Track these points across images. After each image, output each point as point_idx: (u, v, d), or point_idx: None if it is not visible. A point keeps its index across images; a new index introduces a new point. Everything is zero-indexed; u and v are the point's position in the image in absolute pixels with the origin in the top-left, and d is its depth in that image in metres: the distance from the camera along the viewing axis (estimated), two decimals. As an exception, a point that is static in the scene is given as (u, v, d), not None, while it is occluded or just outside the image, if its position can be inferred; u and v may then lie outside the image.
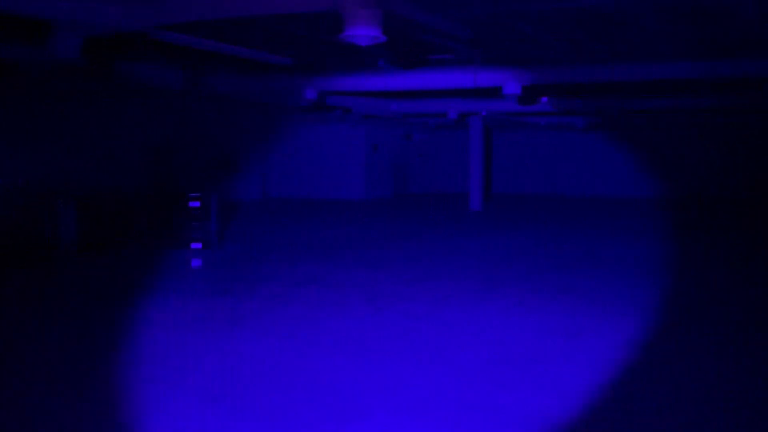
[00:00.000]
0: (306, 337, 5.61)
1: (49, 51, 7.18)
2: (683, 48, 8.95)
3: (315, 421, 3.85)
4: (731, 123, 20.86)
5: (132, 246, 10.51)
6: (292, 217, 15.90)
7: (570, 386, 4.44)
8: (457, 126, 21.49)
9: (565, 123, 19.73)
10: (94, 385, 4.44)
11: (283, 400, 4.16)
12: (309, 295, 7.19)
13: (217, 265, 9.37)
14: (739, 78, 10.26)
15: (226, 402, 4.13)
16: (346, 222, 14.78)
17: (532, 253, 10.22)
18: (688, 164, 22.24)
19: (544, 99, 14.42)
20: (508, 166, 24.85)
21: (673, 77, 9.60)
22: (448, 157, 25.17)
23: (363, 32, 5.77)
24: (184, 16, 6.43)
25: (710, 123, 20.73)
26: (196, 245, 10.43)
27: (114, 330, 5.84)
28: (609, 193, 22.98)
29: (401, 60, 10.06)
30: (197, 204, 10.50)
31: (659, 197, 21.85)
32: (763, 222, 15.14)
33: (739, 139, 21.49)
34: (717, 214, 16.77)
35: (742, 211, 17.38)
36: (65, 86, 11.67)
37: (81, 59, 7.42)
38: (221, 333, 5.71)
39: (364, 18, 5.78)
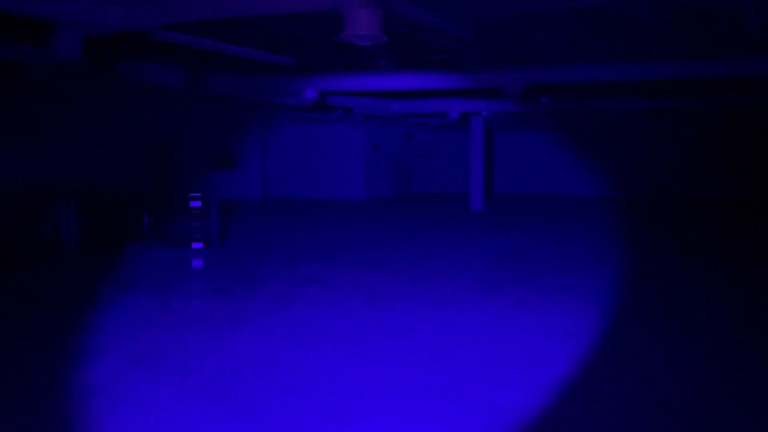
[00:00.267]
0: (306, 337, 5.61)
1: (50, 51, 7.19)
2: (683, 48, 8.95)
3: (315, 421, 3.85)
4: (719, 124, 20.90)
5: (133, 246, 10.51)
6: (293, 217, 15.90)
7: (570, 387, 4.45)
8: (458, 126, 21.49)
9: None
10: (95, 385, 4.44)
11: (284, 400, 4.16)
12: (309, 295, 7.19)
13: (218, 264, 9.38)
14: (739, 78, 10.25)
15: (226, 402, 4.13)
16: (347, 222, 14.79)
17: (533, 254, 10.22)
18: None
19: (545, 99, 14.42)
20: (509, 166, 24.84)
21: (673, 77, 9.59)
22: (449, 157, 25.17)
23: (363, 32, 5.77)
24: (184, 16, 6.43)
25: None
26: (197, 245, 10.44)
27: (114, 330, 5.84)
28: (612, 193, 22.96)
29: (401, 60, 10.06)
30: (198, 204, 10.51)
31: (664, 198, 21.84)
32: (755, 222, 15.14)
33: (730, 140, 21.48)
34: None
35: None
36: (66, 86, 11.68)
37: (82, 59, 7.43)
38: (221, 333, 5.71)
39: (365, 18, 5.79)
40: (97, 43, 7.67)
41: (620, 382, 4.53)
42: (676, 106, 14.82)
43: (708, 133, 21.73)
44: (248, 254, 10.17)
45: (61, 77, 10.33)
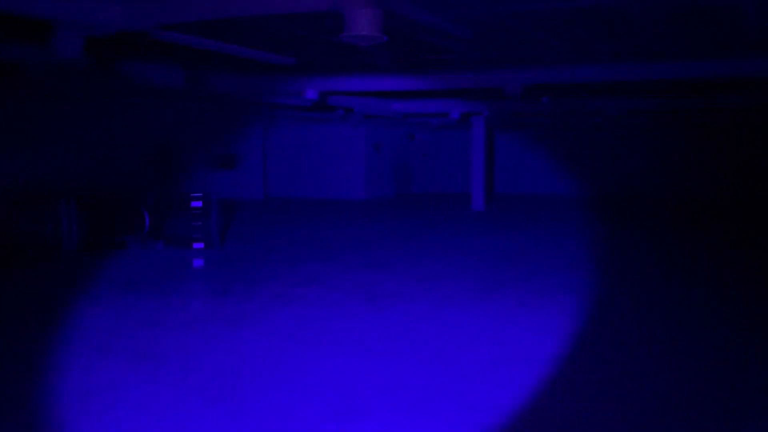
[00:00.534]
0: (307, 337, 5.61)
1: (50, 51, 7.20)
2: (683, 48, 8.95)
3: (315, 421, 3.85)
4: (720, 123, 20.91)
5: (133, 245, 10.52)
6: (293, 217, 15.91)
7: (570, 387, 4.45)
8: (458, 126, 21.49)
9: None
10: (95, 385, 4.45)
11: (284, 400, 4.16)
12: (310, 296, 7.20)
13: (219, 264, 9.39)
14: (739, 78, 10.24)
15: (226, 402, 4.13)
16: (347, 222, 14.79)
17: (534, 254, 10.22)
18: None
19: (545, 99, 14.42)
20: (510, 166, 24.84)
21: (672, 77, 9.60)
22: (450, 157, 25.17)
23: (363, 33, 5.77)
24: (184, 16, 6.44)
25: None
26: (198, 245, 10.44)
27: (115, 330, 5.85)
28: (614, 193, 22.96)
29: (401, 60, 10.06)
30: (199, 204, 10.51)
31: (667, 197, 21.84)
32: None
33: (733, 140, 21.47)
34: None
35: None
36: (67, 86, 11.69)
37: (82, 59, 7.43)
38: (222, 333, 5.72)
39: (365, 18, 5.79)
40: (97, 43, 7.68)
41: (619, 382, 4.54)
42: (676, 106, 14.82)
43: (708, 132, 21.71)
44: (249, 254, 10.18)
45: (62, 77, 10.33)
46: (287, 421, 3.84)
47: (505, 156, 24.89)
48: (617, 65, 9.61)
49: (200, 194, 10.61)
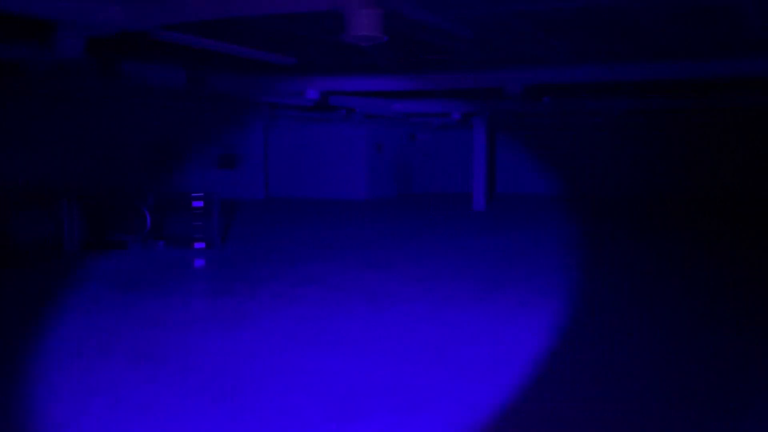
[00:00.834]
0: (307, 336, 5.62)
1: (51, 51, 7.21)
2: (683, 48, 8.95)
3: (316, 421, 3.86)
4: (722, 122, 20.91)
5: (135, 245, 10.53)
6: (294, 217, 15.92)
7: (571, 387, 4.45)
8: (460, 126, 21.49)
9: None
10: (96, 385, 4.45)
11: (284, 400, 4.17)
12: (310, 295, 7.20)
13: (220, 264, 9.40)
14: (740, 78, 10.23)
15: (226, 402, 4.14)
16: (349, 222, 14.80)
17: (533, 254, 10.22)
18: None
19: (546, 99, 14.42)
20: (511, 166, 24.83)
21: (673, 77, 9.59)
22: (451, 157, 25.17)
23: (364, 33, 5.78)
24: (185, 16, 6.45)
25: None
26: (199, 245, 10.46)
27: (115, 330, 5.86)
28: (616, 193, 22.95)
29: (402, 60, 10.07)
30: (200, 204, 10.52)
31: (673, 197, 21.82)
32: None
33: (737, 139, 21.46)
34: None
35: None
36: (68, 86, 11.70)
37: (83, 59, 7.45)
38: (223, 333, 5.73)
39: (366, 18, 5.80)
40: (98, 43, 7.69)
41: (618, 381, 4.54)
42: (676, 106, 14.82)
43: (710, 132, 21.70)
44: (250, 254, 10.19)
45: (63, 77, 10.36)
46: (287, 422, 3.85)
47: (506, 156, 24.88)
48: (617, 65, 9.60)
49: (201, 194, 10.63)
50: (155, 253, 10.25)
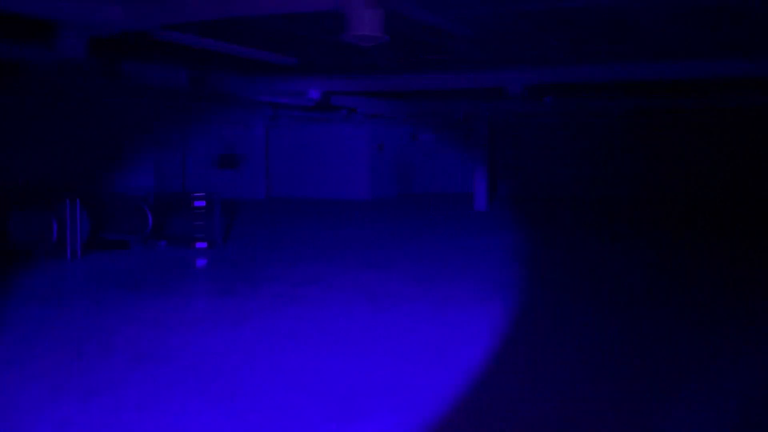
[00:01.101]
0: (308, 336, 5.62)
1: (53, 51, 7.22)
2: (685, 48, 8.94)
3: (316, 420, 3.86)
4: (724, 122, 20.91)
5: (137, 245, 10.54)
6: (296, 217, 15.93)
7: (572, 388, 4.46)
8: (461, 126, 21.49)
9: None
10: (96, 384, 4.46)
11: (286, 400, 4.17)
12: (312, 295, 7.21)
13: (222, 264, 9.41)
14: (740, 78, 10.22)
15: (228, 402, 4.15)
16: (350, 222, 14.80)
17: (534, 254, 10.22)
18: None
19: (548, 99, 14.42)
20: (511, 166, 24.79)
21: (675, 77, 9.59)
22: (453, 157, 25.15)
23: (366, 33, 5.79)
24: (187, 16, 6.46)
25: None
26: (201, 244, 10.47)
27: (117, 329, 5.87)
28: (618, 193, 22.92)
29: (403, 60, 10.07)
30: (202, 203, 10.54)
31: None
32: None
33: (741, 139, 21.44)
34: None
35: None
36: (70, 86, 11.72)
37: (85, 59, 7.46)
38: (224, 332, 5.73)
39: (367, 18, 5.80)
40: (99, 43, 7.70)
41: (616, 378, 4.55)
42: (676, 106, 14.82)
43: (711, 132, 21.68)
44: (251, 254, 10.20)
45: (65, 77, 10.37)
46: (288, 421, 3.85)
47: (507, 156, 24.85)
48: (617, 65, 9.61)
49: (203, 194, 10.64)
50: (157, 253, 10.26)
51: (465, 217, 15.92)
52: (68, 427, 3.79)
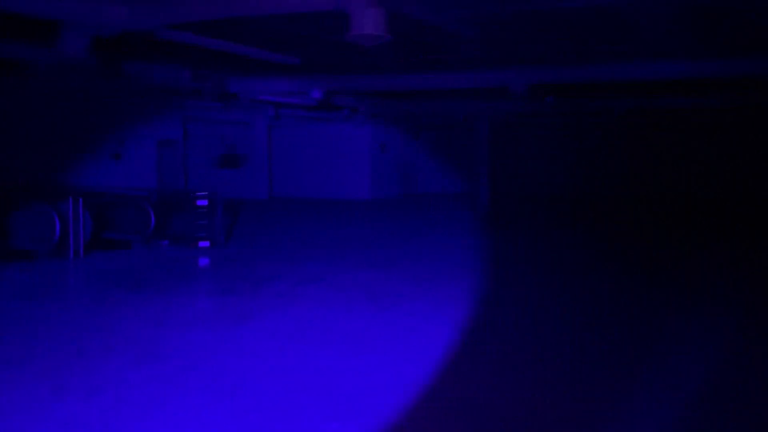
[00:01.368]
0: (310, 336, 5.63)
1: (56, 50, 7.24)
2: (688, 47, 8.94)
3: (318, 420, 3.86)
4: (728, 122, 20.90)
5: (139, 244, 10.55)
6: (298, 216, 15.94)
7: (574, 386, 4.46)
8: (463, 125, 21.49)
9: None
10: (98, 383, 4.47)
11: (287, 399, 4.17)
12: (314, 295, 7.21)
13: (224, 263, 9.41)
14: (740, 78, 10.21)
15: (229, 401, 4.15)
16: (352, 222, 14.81)
17: (534, 253, 10.22)
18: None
19: (550, 98, 14.42)
20: (513, 166, 24.76)
21: (676, 77, 9.59)
22: (455, 157, 25.14)
23: (369, 32, 5.80)
24: (190, 16, 6.47)
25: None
26: (204, 244, 10.47)
27: (120, 328, 5.88)
28: (622, 193, 22.90)
29: (405, 60, 10.07)
30: (204, 203, 10.54)
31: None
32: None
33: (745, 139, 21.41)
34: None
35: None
36: (74, 85, 11.74)
37: (89, 58, 7.48)
38: (225, 332, 5.74)
39: (370, 18, 5.81)
40: (102, 43, 7.72)
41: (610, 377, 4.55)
42: (678, 106, 14.81)
43: (710, 131, 21.65)
44: (253, 253, 10.21)
45: (69, 76, 10.39)
46: (289, 421, 3.85)
47: (508, 156, 24.82)
48: (617, 65, 9.61)
49: (206, 193, 10.65)
50: (159, 252, 10.27)
51: (466, 216, 15.91)
52: (70, 425, 3.80)
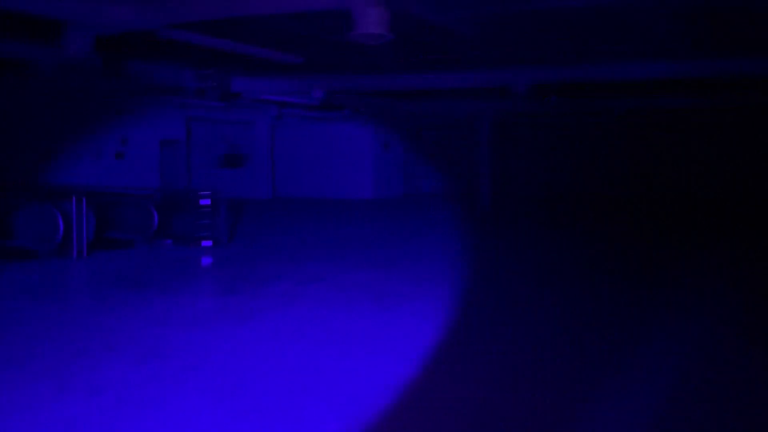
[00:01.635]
0: (311, 335, 5.62)
1: (60, 50, 7.25)
2: (691, 47, 8.93)
3: (319, 420, 3.86)
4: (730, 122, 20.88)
5: (142, 243, 10.56)
6: (301, 216, 15.94)
7: (574, 385, 4.46)
8: (465, 125, 21.48)
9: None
10: (100, 382, 4.47)
11: (288, 400, 4.17)
12: (316, 294, 7.20)
13: (227, 263, 9.42)
14: (740, 78, 10.20)
15: (230, 401, 4.14)
16: (354, 221, 14.81)
17: (535, 253, 10.21)
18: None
19: (553, 98, 14.41)
20: (516, 165, 24.74)
21: (674, 77, 9.58)
22: (458, 157, 25.11)
23: (372, 31, 5.80)
24: (194, 15, 6.48)
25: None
26: (206, 243, 10.48)
27: (122, 328, 5.88)
28: (624, 193, 22.86)
29: (407, 60, 10.07)
30: (207, 202, 10.55)
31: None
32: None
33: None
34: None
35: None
36: (77, 84, 11.76)
37: (92, 58, 7.49)
38: (228, 331, 5.74)
39: (374, 17, 5.82)
40: (106, 42, 7.73)
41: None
42: (677, 106, 14.79)
43: (711, 132, 21.61)
44: (256, 252, 10.21)
45: (72, 76, 10.40)
46: (290, 421, 3.85)
47: (510, 156, 24.80)
48: (617, 65, 9.60)
49: (209, 193, 10.65)
50: (162, 252, 10.28)
51: (468, 216, 15.91)
52: (72, 425, 3.80)
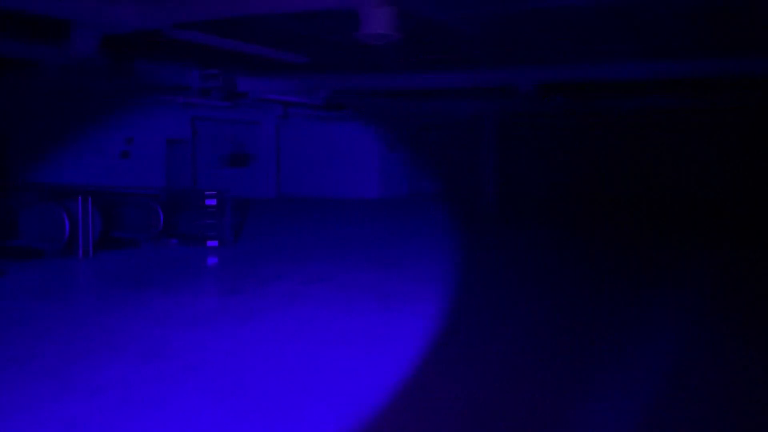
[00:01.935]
0: (313, 335, 5.62)
1: (66, 50, 7.26)
2: (696, 46, 8.90)
3: (320, 420, 3.86)
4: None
5: (148, 243, 10.58)
6: (306, 215, 15.95)
7: (573, 385, 4.44)
8: (470, 124, 21.45)
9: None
10: (103, 381, 4.48)
11: (290, 400, 4.17)
12: (318, 294, 7.20)
13: (232, 262, 9.42)
14: (741, 78, 10.16)
15: (232, 400, 4.15)
16: (360, 221, 14.80)
17: (540, 254, 10.19)
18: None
19: (559, 98, 14.38)
20: (519, 165, 24.69)
21: (682, 76, 9.55)
22: (462, 157, 25.08)
23: (378, 31, 5.79)
24: (200, 15, 6.48)
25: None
26: (212, 243, 10.49)
27: (127, 327, 5.89)
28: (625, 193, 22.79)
29: (412, 59, 10.05)
30: (213, 202, 10.56)
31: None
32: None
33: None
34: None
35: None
36: (83, 84, 11.79)
37: (98, 58, 7.49)
38: (230, 331, 5.74)
39: (380, 17, 5.81)
40: (113, 42, 7.74)
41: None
42: (677, 106, 14.75)
43: (712, 132, 21.52)
44: (262, 252, 10.21)
45: (78, 75, 10.42)
46: (291, 421, 3.85)
47: (515, 155, 24.75)
48: (617, 65, 9.57)
49: (214, 192, 10.66)
50: (168, 251, 10.28)
51: (472, 216, 15.89)
52: (73, 425, 3.81)
